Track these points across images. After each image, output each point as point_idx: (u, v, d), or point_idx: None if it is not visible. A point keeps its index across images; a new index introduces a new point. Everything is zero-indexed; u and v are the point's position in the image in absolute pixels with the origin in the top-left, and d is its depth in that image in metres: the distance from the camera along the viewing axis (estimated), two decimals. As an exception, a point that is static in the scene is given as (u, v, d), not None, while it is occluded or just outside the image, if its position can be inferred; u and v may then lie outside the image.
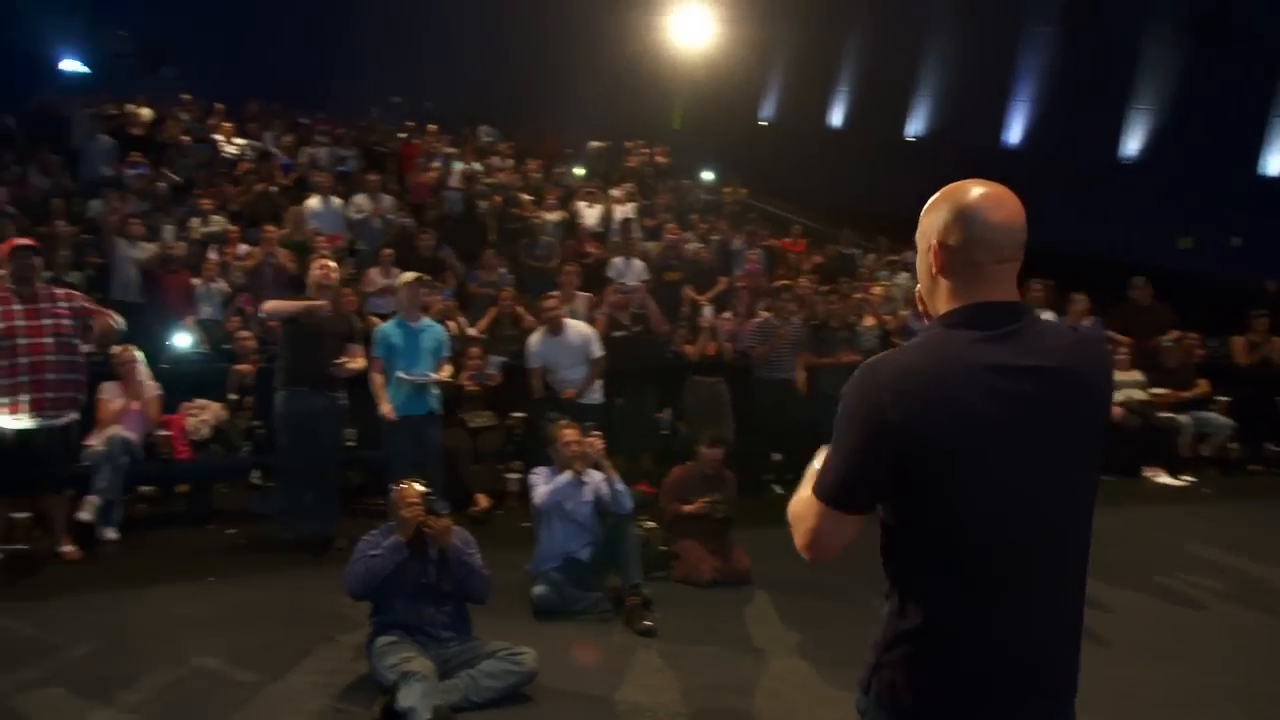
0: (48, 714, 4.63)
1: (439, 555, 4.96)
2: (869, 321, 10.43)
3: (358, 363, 7.01)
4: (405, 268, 11.21)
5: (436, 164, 15.94)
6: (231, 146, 15.46)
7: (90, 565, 6.64)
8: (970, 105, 16.36)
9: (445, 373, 7.35)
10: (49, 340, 6.44)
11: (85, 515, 6.93)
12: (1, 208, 12.13)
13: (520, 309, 10.15)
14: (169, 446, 7.56)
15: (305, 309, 6.90)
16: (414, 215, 13.79)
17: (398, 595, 4.94)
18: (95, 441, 7.15)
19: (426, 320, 7.35)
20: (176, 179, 13.85)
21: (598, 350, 8.28)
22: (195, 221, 12.56)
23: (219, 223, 12.47)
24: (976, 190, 1.94)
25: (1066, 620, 1.94)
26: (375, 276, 10.93)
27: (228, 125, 15.87)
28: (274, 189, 13.58)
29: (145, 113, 16.21)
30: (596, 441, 6.23)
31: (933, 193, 2.00)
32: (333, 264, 7.26)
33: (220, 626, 5.67)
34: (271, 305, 7.25)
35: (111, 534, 7.07)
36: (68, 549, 6.68)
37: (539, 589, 6.03)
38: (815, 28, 19.80)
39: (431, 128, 17.67)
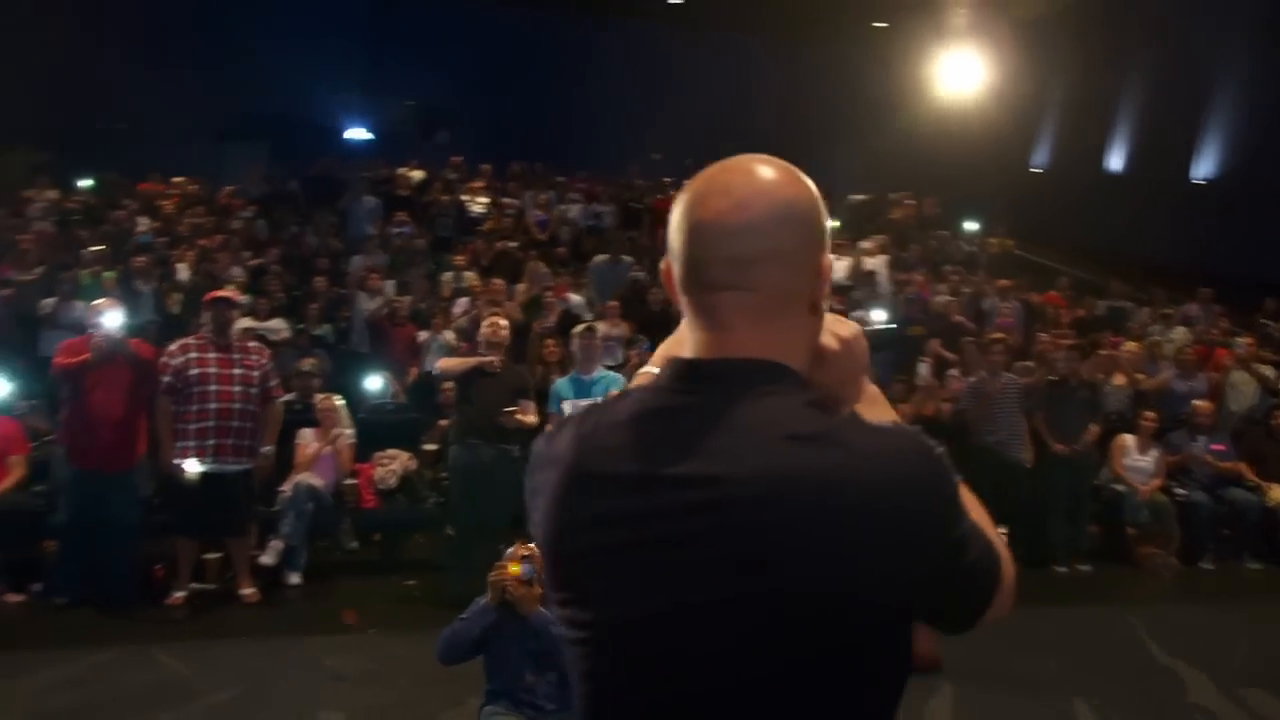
0: None
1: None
2: (1119, 380, 9.35)
3: (529, 416, 6.87)
4: (634, 321, 11.22)
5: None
6: (478, 205, 16.02)
7: (266, 609, 6.78)
8: (1264, 142, 14.63)
9: None
10: (237, 389, 6.68)
11: (267, 559, 7.10)
12: (268, 265, 13.05)
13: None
14: (356, 495, 7.68)
15: (475, 365, 6.85)
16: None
17: (502, 662, 4.67)
18: (285, 487, 7.34)
19: (601, 372, 7.12)
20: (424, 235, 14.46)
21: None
22: (447, 276, 13.06)
23: (469, 278, 12.86)
24: (711, 170, 1.27)
25: None
26: (603, 328, 10.90)
27: (476, 185, 16.48)
28: (512, 245, 13.92)
29: (416, 175, 17.14)
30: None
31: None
32: (503, 321, 7.18)
33: (361, 681, 5.61)
34: (444, 363, 7.30)
35: (295, 579, 7.21)
36: (247, 591, 6.85)
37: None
38: (1092, 69, 18.48)
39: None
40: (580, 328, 7.40)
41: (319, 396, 8.00)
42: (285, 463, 7.60)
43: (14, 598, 6.65)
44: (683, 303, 1.28)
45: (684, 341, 1.28)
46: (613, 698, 1.24)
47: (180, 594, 6.71)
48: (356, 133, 21.42)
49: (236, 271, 12.49)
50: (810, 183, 1.26)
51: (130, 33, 18.01)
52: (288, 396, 8.56)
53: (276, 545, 7.17)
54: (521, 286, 12.17)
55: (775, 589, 1.10)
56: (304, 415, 7.98)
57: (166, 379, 6.61)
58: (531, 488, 1.32)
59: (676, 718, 1.19)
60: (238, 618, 6.61)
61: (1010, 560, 1.23)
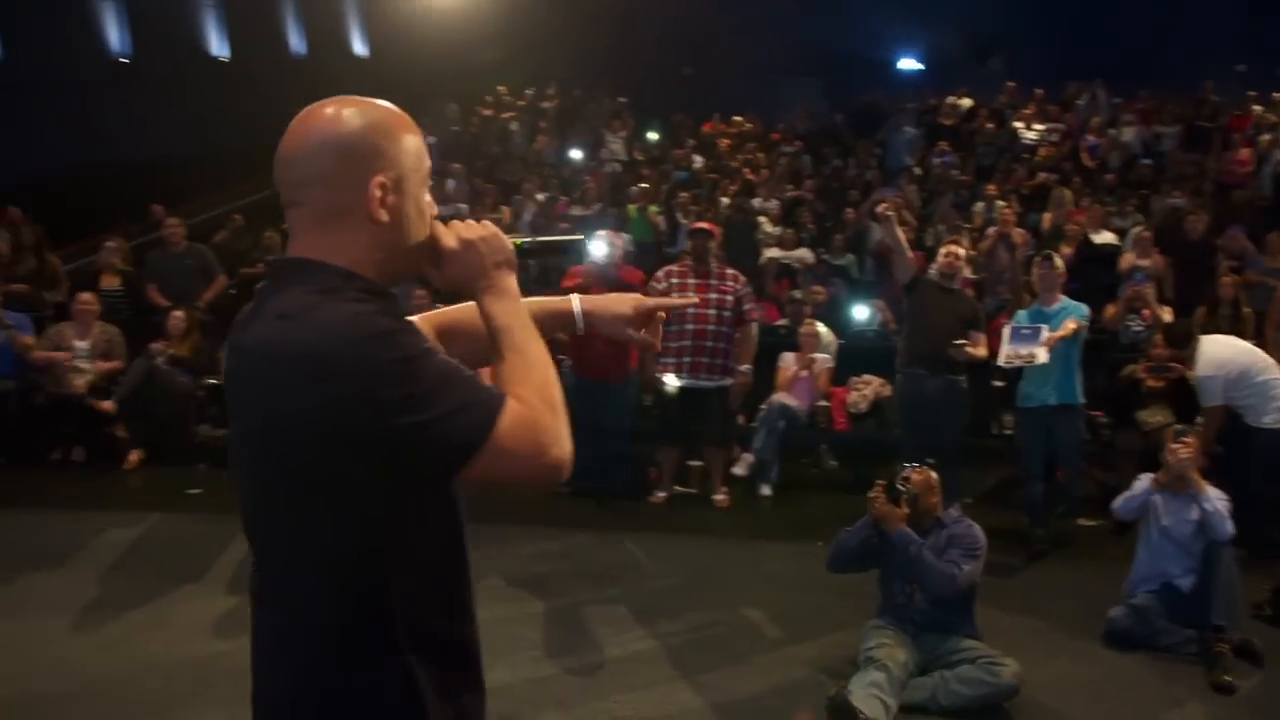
0: (604, 627, 5.37)
1: (944, 542, 4.72)
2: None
3: (979, 349, 6.77)
4: (1168, 252, 10.35)
5: (1266, 136, 14.13)
6: (1031, 133, 15.38)
7: (734, 514, 7.40)
8: None
9: (1050, 339, 6.52)
10: (712, 312, 7.29)
11: (739, 470, 7.72)
12: (803, 197, 13.70)
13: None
14: (828, 417, 8.04)
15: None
16: (1218, 196, 12.54)
17: (893, 578, 4.82)
18: (764, 406, 7.89)
19: (1063, 302, 6.78)
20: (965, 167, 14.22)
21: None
22: (979, 206, 12.87)
23: (1000, 208, 12.57)
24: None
25: (264, 634, 1.56)
26: (1129, 259, 10.19)
27: (1027, 111, 15.82)
28: (1053, 176, 13.25)
29: (964, 104, 16.89)
30: (1183, 450, 5.28)
31: None
32: (960, 252, 7.09)
33: (789, 586, 6.01)
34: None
35: (765, 490, 7.76)
36: (719, 497, 7.51)
37: (1116, 611, 5.33)
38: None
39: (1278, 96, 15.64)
40: (1039, 255, 7.09)
41: (805, 322, 8.43)
42: (768, 383, 8.16)
43: (530, 484, 7.84)
44: None
45: None
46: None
47: (661, 494, 7.55)
48: (908, 63, 21.42)
49: (771, 204, 13.27)
50: (384, 116, 1.54)
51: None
52: (782, 321, 9.13)
53: (748, 458, 7.77)
54: (1046, 215, 11.69)
55: (249, 429, 1.49)
56: (788, 340, 8.47)
57: (651, 302, 7.38)
58: None
59: (249, 528, 1.56)
60: (705, 519, 7.30)
61: (520, 416, 1.44)
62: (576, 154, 15.68)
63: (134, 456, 8.19)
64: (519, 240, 1.68)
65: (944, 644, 4.66)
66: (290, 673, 1.51)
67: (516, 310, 1.59)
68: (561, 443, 1.48)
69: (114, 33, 15.76)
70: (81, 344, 8.38)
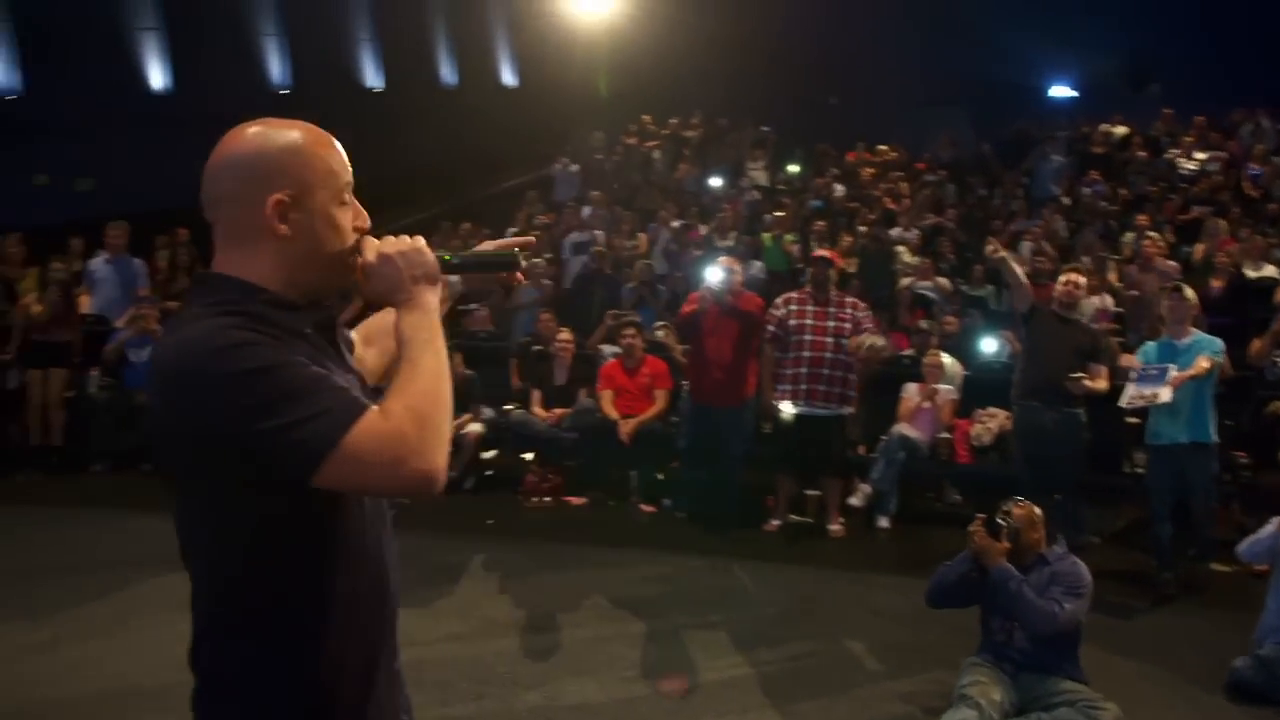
0: (701, 652, 5.33)
1: (1047, 579, 4.57)
2: None
3: (1099, 383, 6.54)
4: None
5: None
6: (1190, 162, 14.77)
7: (848, 545, 7.30)
8: None
9: (1176, 379, 6.23)
10: (830, 340, 7.24)
11: (856, 501, 7.61)
12: (944, 225, 13.42)
13: None
14: (950, 449, 7.86)
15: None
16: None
17: (992, 615, 4.68)
18: (885, 436, 7.77)
19: (1196, 335, 6.48)
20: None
21: None
22: (1128, 237, 12.45)
23: (1152, 239, 12.09)
24: None
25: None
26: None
27: (1188, 139, 15.19)
28: (1209, 211, 12.67)
29: (1118, 131, 16.34)
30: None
31: None
32: (1080, 280, 6.87)
33: (891, 619, 5.88)
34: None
35: (883, 522, 7.63)
36: (834, 528, 7.43)
37: (1241, 662, 5.06)
38: None
39: None
40: (1168, 286, 6.79)
41: (930, 354, 8.28)
42: (889, 414, 8.04)
43: (647, 509, 7.93)
44: None
45: None
46: None
47: (776, 522, 7.50)
48: (1060, 90, 20.82)
49: (911, 234, 13.06)
50: (291, 136, 1.61)
51: (841, 8, 19.32)
52: (908, 351, 8.98)
53: (865, 489, 7.65)
54: (1199, 246, 11.21)
55: (149, 432, 1.62)
56: (912, 370, 8.33)
57: (770, 329, 7.38)
58: None
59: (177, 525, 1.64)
60: (818, 548, 7.21)
61: (375, 426, 1.49)
62: (716, 182, 15.74)
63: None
64: (446, 255, 1.73)
65: (1043, 685, 4.49)
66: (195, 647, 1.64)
67: (423, 324, 1.63)
68: (425, 456, 1.50)
69: (275, 66, 16.66)
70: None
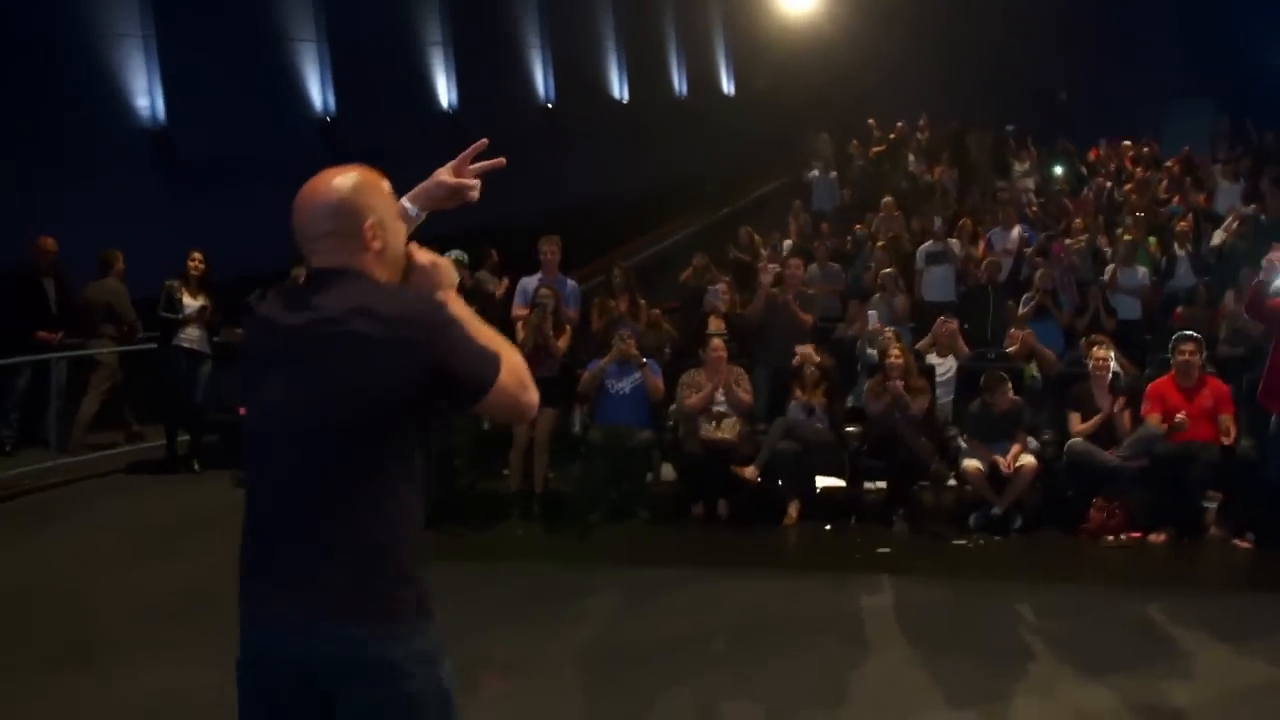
0: (798, 678, 4.68)
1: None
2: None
3: None
4: None
5: None
6: None
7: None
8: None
9: None
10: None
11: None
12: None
13: None
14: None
15: None
16: None
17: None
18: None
19: None
20: None
21: None
22: None
23: None
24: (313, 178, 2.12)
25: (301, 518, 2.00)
26: None
27: None
28: None
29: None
30: None
31: None
32: None
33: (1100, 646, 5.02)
34: None
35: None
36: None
37: None
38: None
39: None
40: None
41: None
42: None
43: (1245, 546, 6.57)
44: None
45: None
46: (250, 460, 2.07)
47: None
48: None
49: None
50: (360, 179, 2.07)
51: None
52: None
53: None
54: None
55: (328, 390, 1.98)
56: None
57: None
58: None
59: (299, 474, 2.01)
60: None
61: (511, 361, 2.03)
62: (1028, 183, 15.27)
63: (793, 511, 7.15)
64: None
65: None
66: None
67: (464, 310, 2.09)
68: (530, 390, 2.08)
69: (541, 82, 17.70)
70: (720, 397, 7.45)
